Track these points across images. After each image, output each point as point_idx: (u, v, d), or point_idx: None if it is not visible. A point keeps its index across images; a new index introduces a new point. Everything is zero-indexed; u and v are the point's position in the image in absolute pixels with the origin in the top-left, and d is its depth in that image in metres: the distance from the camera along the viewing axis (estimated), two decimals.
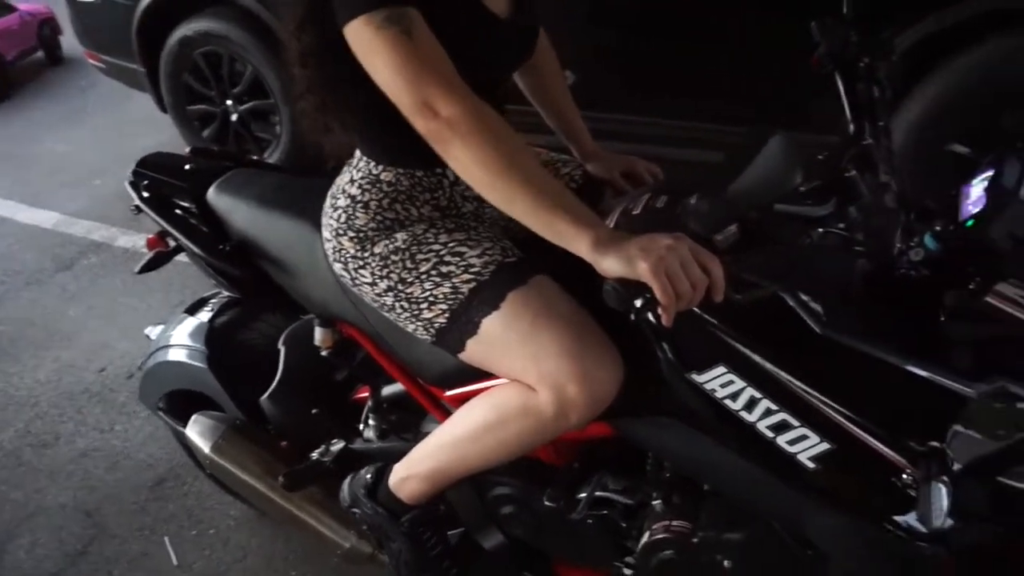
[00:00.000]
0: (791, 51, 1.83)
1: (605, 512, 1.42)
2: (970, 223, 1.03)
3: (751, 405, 1.12)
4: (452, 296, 1.27)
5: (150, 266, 1.71)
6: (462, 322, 1.26)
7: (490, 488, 1.52)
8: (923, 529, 1.06)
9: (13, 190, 4.18)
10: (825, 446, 1.08)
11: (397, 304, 1.32)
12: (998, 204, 1.02)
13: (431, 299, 1.28)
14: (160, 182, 1.71)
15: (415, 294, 1.30)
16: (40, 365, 2.87)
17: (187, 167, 1.74)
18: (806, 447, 1.09)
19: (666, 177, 1.55)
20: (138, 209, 1.68)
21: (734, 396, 1.13)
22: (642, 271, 0.95)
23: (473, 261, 1.27)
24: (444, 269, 1.28)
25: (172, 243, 1.71)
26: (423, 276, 1.29)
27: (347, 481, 1.55)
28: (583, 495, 1.41)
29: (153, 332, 2.03)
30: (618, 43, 2.64)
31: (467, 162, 1.08)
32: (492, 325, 1.24)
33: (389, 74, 1.10)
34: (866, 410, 1.06)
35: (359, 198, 1.35)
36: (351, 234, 1.35)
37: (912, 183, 1.20)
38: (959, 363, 1.04)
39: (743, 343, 1.12)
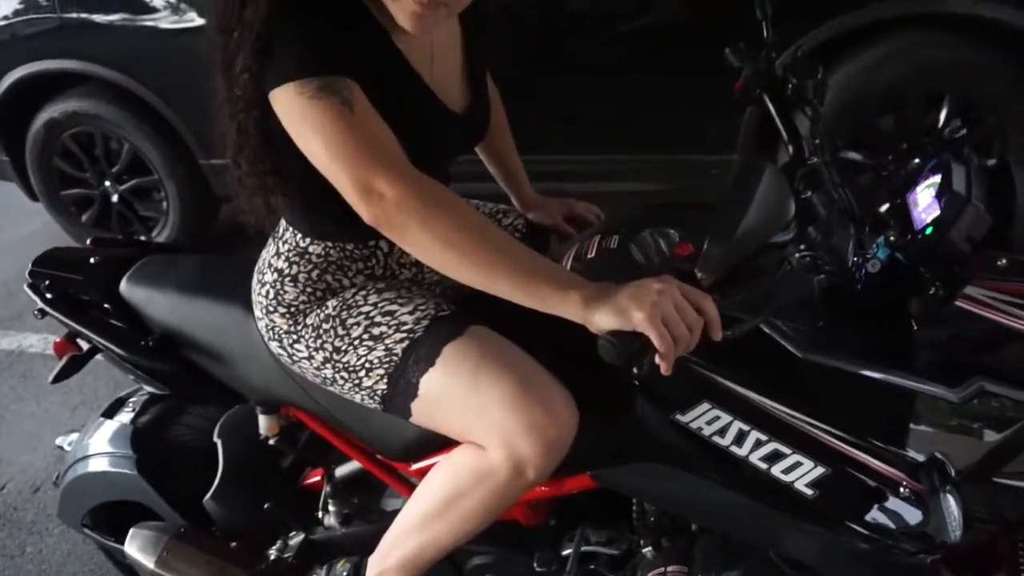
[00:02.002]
0: (703, 79, 1.89)
1: (592, 567, 1.38)
2: (930, 230, 1.05)
3: (741, 438, 1.10)
4: (387, 359, 1.20)
5: (64, 373, 1.57)
6: (401, 386, 1.20)
7: (467, 559, 1.45)
8: (921, 540, 1.07)
9: None
10: (820, 470, 1.07)
11: (337, 376, 1.25)
12: (953, 209, 1.05)
13: (367, 365, 1.22)
14: (64, 280, 1.57)
15: (351, 362, 1.23)
16: None
17: (92, 260, 1.61)
18: (801, 474, 1.08)
19: (607, 215, 1.54)
20: (43, 313, 1.54)
21: (722, 432, 1.11)
22: (638, 321, 0.92)
23: (405, 319, 1.21)
24: (376, 331, 1.21)
25: (85, 344, 1.57)
26: (356, 342, 1.22)
27: (323, 573, 1.44)
28: (568, 552, 1.37)
29: (66, 442, 1.86)
30: (536, 81, 2.67)
31: (429, 244, 1.03)
32: (431, 383, 1.17)
33: (324, 151, 1.04)
34: (855, 427, 1.06)
35: (286, 271, 1.28)
36: (282, 310, 1.28)
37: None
38: (936, 368, 1.06)
39: (724, 376, 1.10)
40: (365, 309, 1.23)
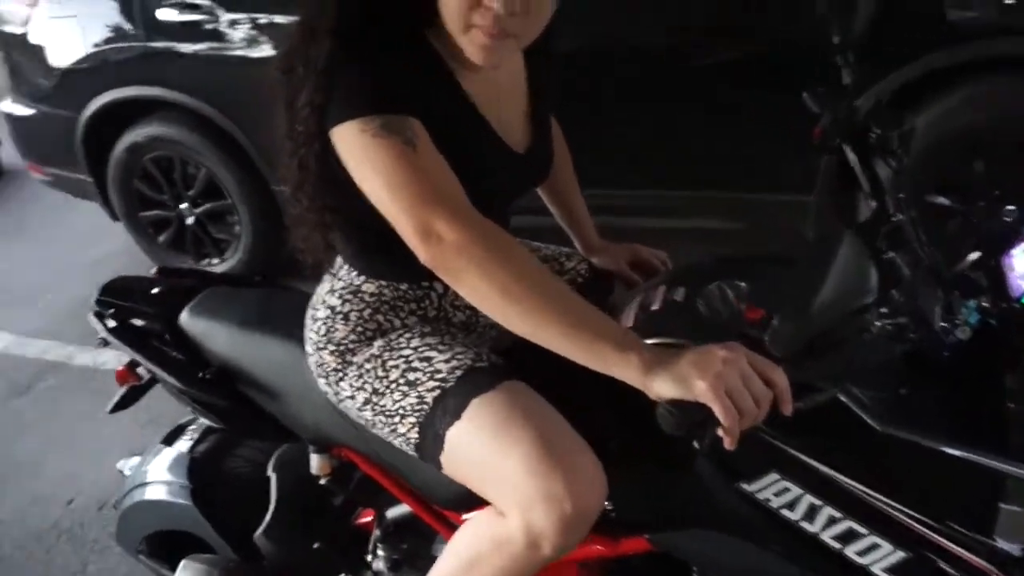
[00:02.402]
0: (781, 115, 1.82)
1: None
2: None
3: (812, 514, 1.03)
4: (419, 407, 1.16)
5: (123, 403, 1.58)
6: (431, 437, 1.15)
7: None
8: None
9: None
10: (900, 555, 0.99)
11: (376, 419, 1.22)
12: None
13: (401, 411, 1.18)
14: (127, 309, 1.59)
15: (387, 406, 1.20)
16: (1, 502, 2.67)
17: (155, 290, 1.63)
18: (878, 557, 1.00)
19: (675, 263, 1.48)
20: (104, 342, 1.56)
21: (791, 505, 1.04)
22: (700, 391, 0.86)
23: (440, 367, 1.17)
24: (411, 376, 1.18)
25: (145, 374, 1.58)
26: (392, 385, 1.19)
27: None
28: None
29: (127, 466, 1.88)
30: (605, 115, 2.63)
31: (486, 291, 0.98)
32: (456, 437, 1.12)
33: (385, 190, 1.02)
34: (940, 511, 0.98)
35: (339, 309, 1.26)
36: (331, 347, 1.26)
37: None
38: None
39: (795, 447, 1.03)
40: (406, 352, 1.20)
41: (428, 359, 1.18)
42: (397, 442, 1.22)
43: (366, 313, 1.25)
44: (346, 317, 1.26)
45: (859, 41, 1.24)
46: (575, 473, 1.05)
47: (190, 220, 3.65)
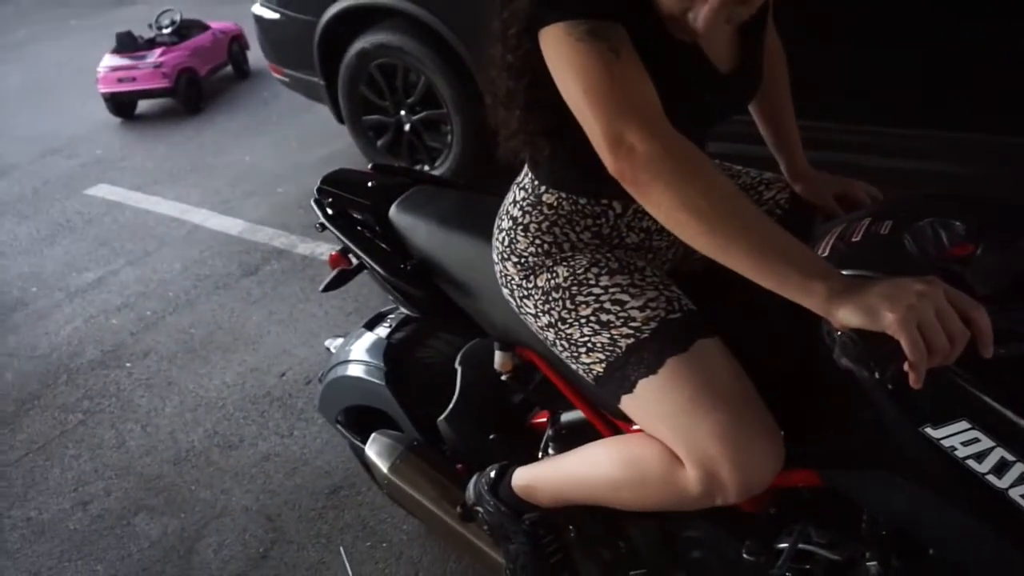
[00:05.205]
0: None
1: (808, 567, 1.29)
2: None
3: (1001, 468, 0.96)
4: (610, 348, 1.20)
5: (333, 284, 1.71)
6: (617, 377, 1.19)
7: (681, 529, 1.43)
8: None
9: (204, 199, 4.43)
10: None
11: (558, 342, 1.27)
12: None
13: (589, 345, 1.22)
14: (343, 199, 1.72)
15: (574, 336, 1.24)
16: (227, 368, 3.01)
17: (369, 184, 1.74)
18: None
19: (887, 200, 1.39)
20: (323, 227, 1.69)
21: (979, 456, 0.97)
22: (888, 322, 0.82)
23: (634, 314, 1.19)
24: (604, 317, 1.21)
25: (355, 261, 1.71)
26: (582, 320, 1.22)
27: (473, 479, 1.53)
28: (783, 545, 1.29)
29: (333, 345, 2.06)
30: (812, 45, 2.47)
31: (672, 207, 0.97)
32: (648, 388, 1.16)
33: (582, 95, 1.02)
34: None
35: (520, 220, 1.31)
36: (514, 259, 1.31)
37: None
38: None
39: (991, 395, 0.96)
40: (595, 291, 1.23)
41: (620, 303, 1.20)
42: (575, 367, 1.27)
43: (544, 225, 1.28)
44: (526, 228, 1.29)
45: None
46: (763, 441, 1.12)
47: (407, 127, 3.83)
